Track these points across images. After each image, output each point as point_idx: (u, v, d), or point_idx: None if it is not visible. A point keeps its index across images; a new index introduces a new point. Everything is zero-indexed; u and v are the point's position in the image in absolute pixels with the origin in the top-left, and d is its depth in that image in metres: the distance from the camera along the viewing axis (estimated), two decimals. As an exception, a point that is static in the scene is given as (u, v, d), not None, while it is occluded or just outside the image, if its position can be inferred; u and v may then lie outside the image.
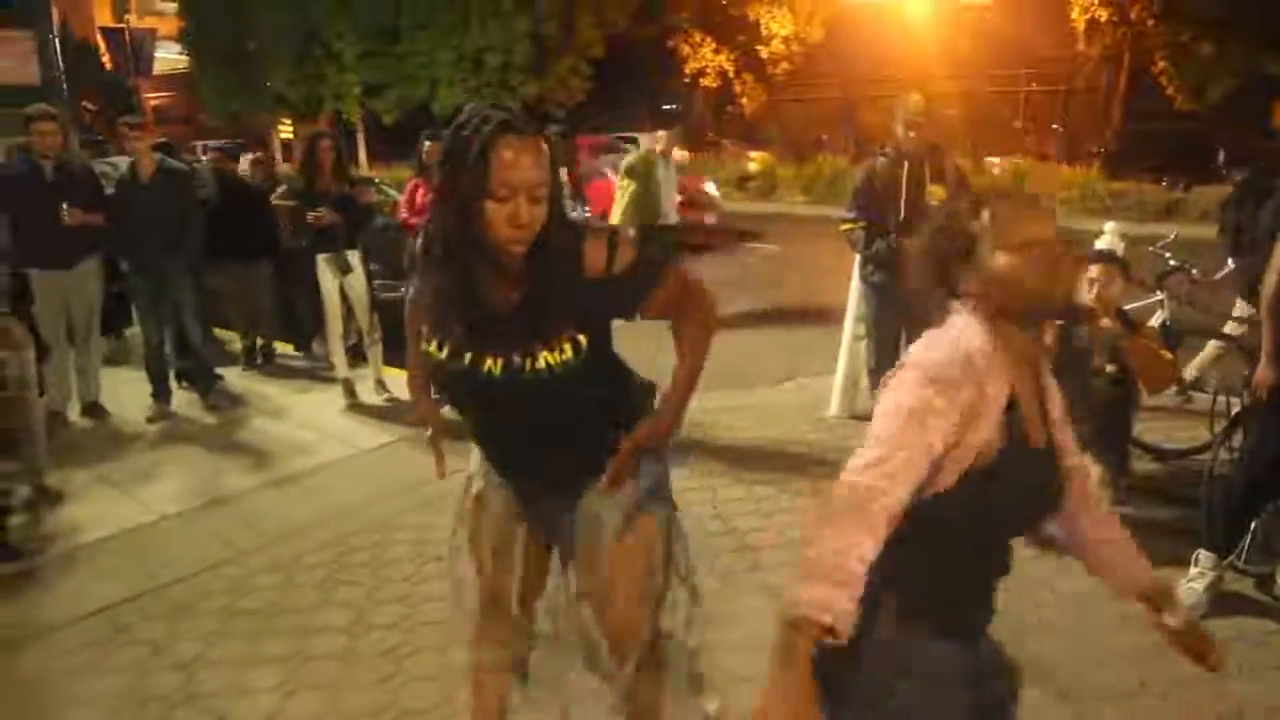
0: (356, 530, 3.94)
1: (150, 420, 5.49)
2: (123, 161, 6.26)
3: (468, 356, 1.79)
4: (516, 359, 1.75)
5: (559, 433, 1.86)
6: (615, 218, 7.45)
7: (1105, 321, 3.55)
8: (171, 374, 5.77)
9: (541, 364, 1.75)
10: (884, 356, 4.56)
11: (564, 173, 5.36)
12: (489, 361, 1.77)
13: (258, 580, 3.53)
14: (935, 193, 4.22)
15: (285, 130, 25.55)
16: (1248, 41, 17.04)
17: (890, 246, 4.31)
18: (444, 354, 1.82)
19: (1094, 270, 3.68)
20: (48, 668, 2.99)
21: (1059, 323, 3.59)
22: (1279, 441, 3.12)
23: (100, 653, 3.06)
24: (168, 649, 3.07)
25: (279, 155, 23.72)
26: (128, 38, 16.56)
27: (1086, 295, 3.62)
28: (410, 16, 20.15)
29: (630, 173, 7.52)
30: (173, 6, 25.40)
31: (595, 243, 1.78)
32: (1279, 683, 2.78)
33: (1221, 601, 3.18)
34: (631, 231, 6.31)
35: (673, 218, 7.83)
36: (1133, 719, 2.62)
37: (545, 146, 1.69)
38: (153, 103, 30.53)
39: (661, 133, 7.89)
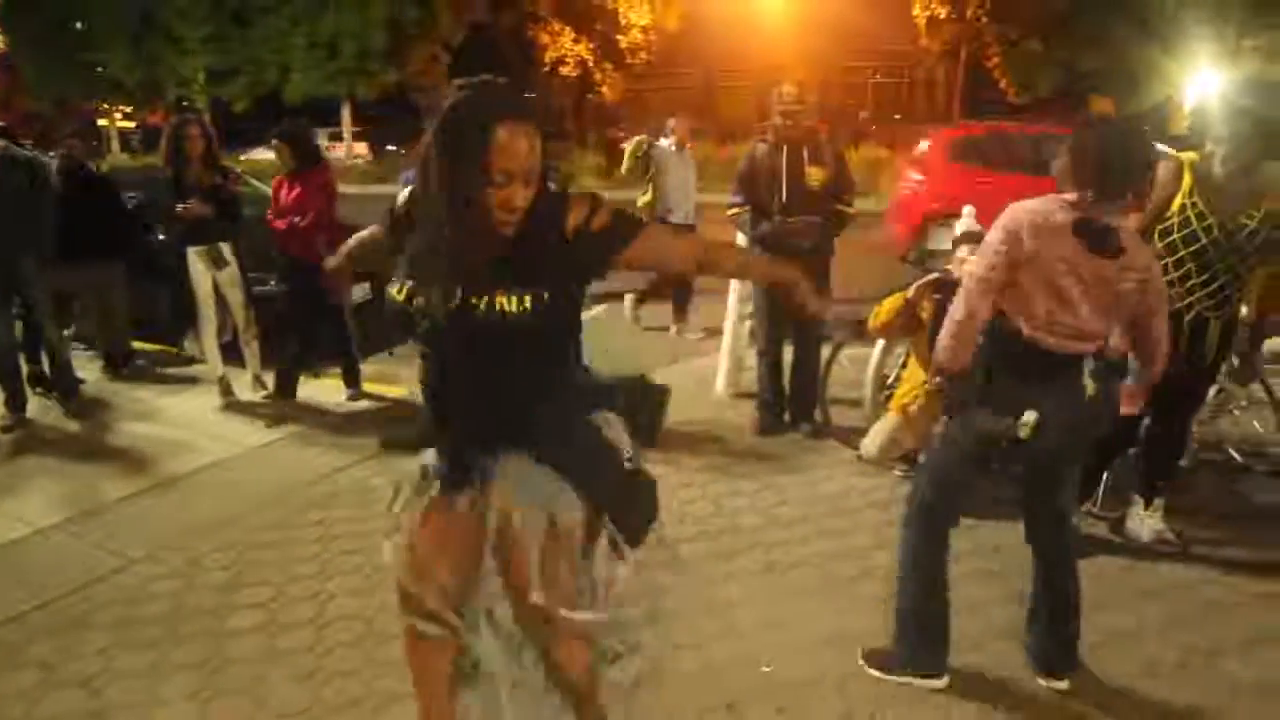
0: (254, 529, 3.83)
1: (3, 430, 5.10)
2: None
3: (422, 295, 1.81)
4: (473, 300, 1.76)
5: (492, 386, 1.86)
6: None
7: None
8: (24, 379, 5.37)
9: (496, 307, 1.76)
10: (771, 336, 4.76)
11: None
12: (473, 301, 1.78)
13: (155, 587, 3.38)
14: (814, 174, 4.44)
15: (122, 119, 23.90)
16: (1069, 42, 18.49)
17: (775, 228, 4.51)
18: (402, 295, 1.84)
19: (963, 250, 3.98)
20: (-70, 696, 2.78)
21: (936, 297, 3.88)
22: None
23: (-11, 676, 2.87)
24: (62, 667, 2.90)
25: (115, 144, 22.20)
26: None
27: (958, 270, 3.91)
28: (259, -1, 19.27)
29: (645, 163, 6.93)
30: (-18, -21, 23.30)
31: (578, 203, 1.83)
32: (1137, 611, 3.13)
33: (1082, 544, 3.51)
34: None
35: (692, 216, 7.17)
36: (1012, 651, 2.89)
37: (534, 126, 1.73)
38: (-37, 88, 27.91)
39: (673, 120, 7.32)
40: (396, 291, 1.85)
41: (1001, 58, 20.36)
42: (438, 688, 2.13)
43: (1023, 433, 2.51)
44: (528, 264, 1.79)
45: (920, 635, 2.71)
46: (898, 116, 26.38)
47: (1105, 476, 3.76)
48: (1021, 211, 2.40)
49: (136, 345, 6.49)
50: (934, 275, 3.98)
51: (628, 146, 7.31)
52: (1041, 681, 2.74)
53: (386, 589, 3.19)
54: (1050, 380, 2.51)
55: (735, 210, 4.75)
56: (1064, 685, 2.70)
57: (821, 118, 4.66)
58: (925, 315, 3.94)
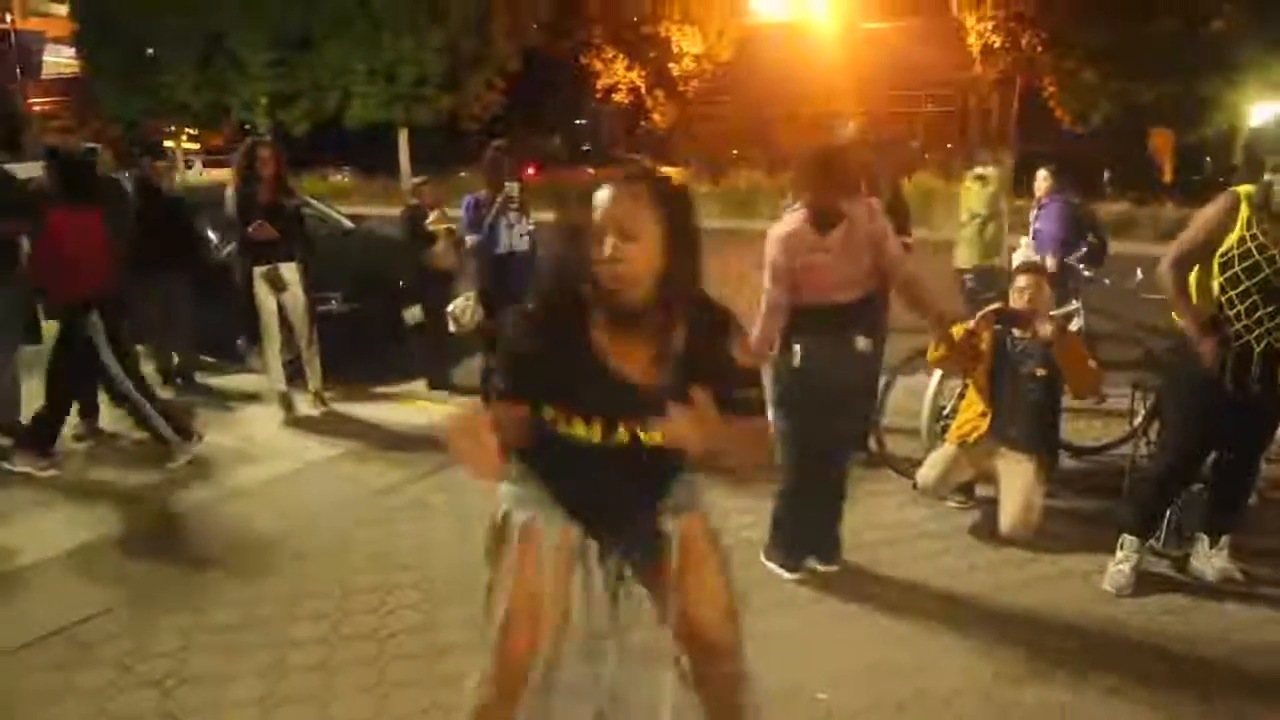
0: (316, 542, 3.92)
1: (77, 439, 5.28)
2: (23, 168, 6.01)
3: (598, 427, 1.89)
4: (638, 430, 1.86)
5: (647, 490, 1.97)
6: (961, 259, 6.37)
7: (1042, 329, 3.82)
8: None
9: (645, 438, 1.87)
10: None
11: (515, 188, 5.43)
12: (619, 431, 1.88)
13: (222, 595, 3.48)
14: None
15: (188, 141, 24.67)
16: (1125, 72, 18.24)
17: None
18: (564, 422, 1.90)
19: (1022, 280, 3.96)
20: (11, 689, 2.90)
21: (996, 328, 3.86)
22: (1188, 435, 3.43)
23: (66, 674, 2.97)
24: (136, 667, 3.01)
25: (180, 166, 22.92)
26: (12, 39, 15.80)
27: (1017, 303, 3.89)
28: (321, 26, 19.79)
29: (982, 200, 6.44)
30: (63, 8, 24.28)
31: (739, 334, 1.92)
32: (1200, 651, 3.06)
33: (1144, 581, 3.47)
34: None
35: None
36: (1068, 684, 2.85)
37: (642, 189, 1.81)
38: (38, 107, 29.09)
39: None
40: (552, 413, 1.90)
41: (1057, 87, 20.17)
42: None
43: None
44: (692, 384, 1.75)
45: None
46: (950, 146, 26.21)
47: (1170, 513, 3.68)
48: (773, 233, 3.41)
49: (202, 359, 6.70)
50: (994, 306, 3.96)
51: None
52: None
53: (446, 603, 3.29)
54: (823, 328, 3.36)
55: None
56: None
57: (873, 149, 4.67)
58: (984, 347, 3.93)
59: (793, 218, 3.41)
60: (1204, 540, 3.57)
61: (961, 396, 4.34)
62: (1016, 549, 3.77)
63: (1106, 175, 19.83)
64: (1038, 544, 3.78)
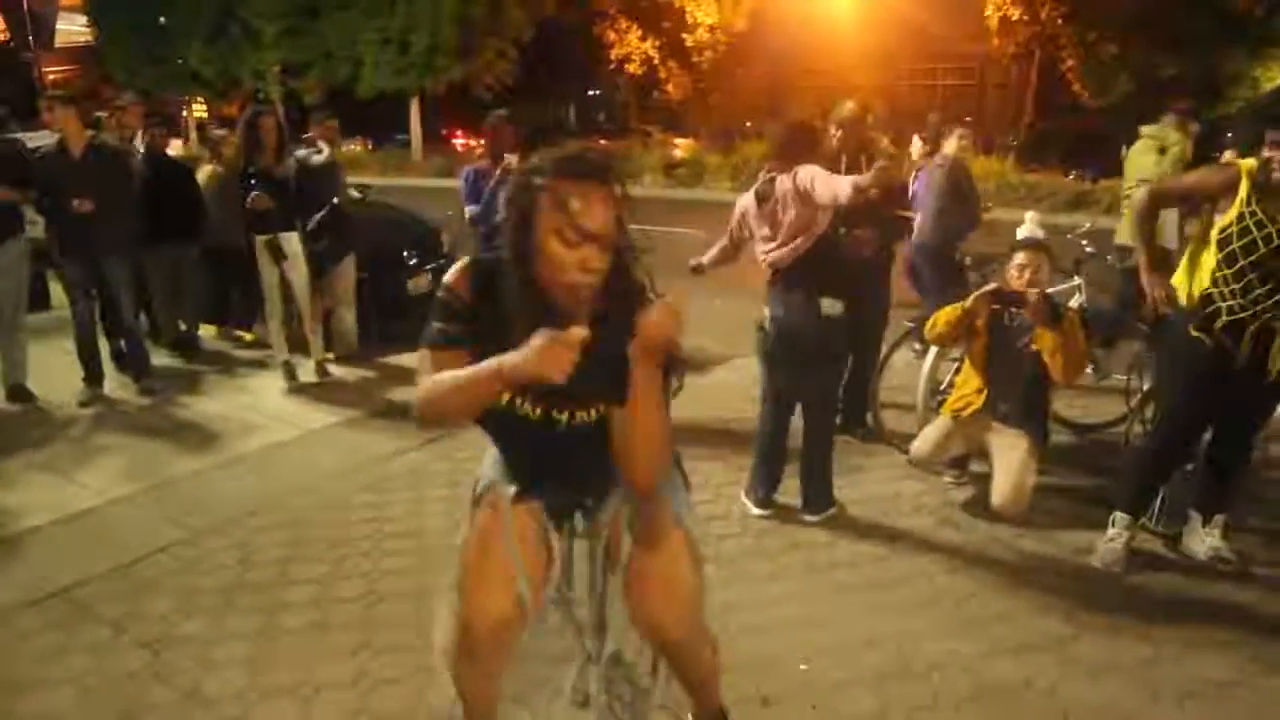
0: (311, 509, 3.96)
1: (82, 404, 5.34)
2: (35, 137, 6.02)
3: (538, 410, 1.87)
4: (580, 413, 1.86)
5: (601, 461, 1.92)
6: (1125, 233, 5.98)
7: (1031, 297, 3.78)
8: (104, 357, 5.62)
9: (596, 414, 1.85)
10: None
11: (514, 160, 5.40)
12: (555, 414, 1.87)
13: (215, 559, 3.53)
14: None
15: (199, 110, 24.67)
16: (1147, 45, 17.93)
17: (835, 238, 4.48)
18: (507, 403, 1.85)
19: (1021, 256, 3.92)
20: (12, 650, 2.95)
21: (994, 306, 3.84)
22: (1181, 412, 3.41)
23: (64, 634, 3.03)
24: (131, 628, 3.06)
25: (192, 136, 22.93)
26: (26, 8, 15.79)
27: (1016, 280, 3.86)
28: (332, -6, 19.72)
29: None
30: (76, -24, 24.28)
31: (660, 320, 1.71)
32: (1188, 629, 3.06)
33: (1135, 559, 3.46)
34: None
35: None
36: (1064, 660, 2.86)
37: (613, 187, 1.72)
38: (52, 76, 29.09)
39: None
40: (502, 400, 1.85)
41: (1077, 61, 19.87)
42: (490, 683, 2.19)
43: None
44: (612, 377, 1.75)
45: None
46: (968, 119, 25.92)
47: (1163, 492, 3.67)
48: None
49: (206, 328, 6.75)
50: (992, 286, 3.93)
51: None
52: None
53: (436, 570, 3.31)
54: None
55: None
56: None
57: (888, 121, 4.63)
58: (980, 324, 3.90)
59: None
60: (1197, 519, 3.56)
61: (958, 371, 4.32)
62: (1007, 525, 3.76)
63: (1124, 151, 19.59)
64: (1029, 520, 3.77)
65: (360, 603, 3.21)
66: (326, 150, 6.32)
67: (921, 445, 4.05)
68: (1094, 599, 3.24)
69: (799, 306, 3.68)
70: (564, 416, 1.88)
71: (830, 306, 3.64)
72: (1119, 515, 3.50)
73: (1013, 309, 3.84)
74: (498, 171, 5.23)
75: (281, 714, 2.63)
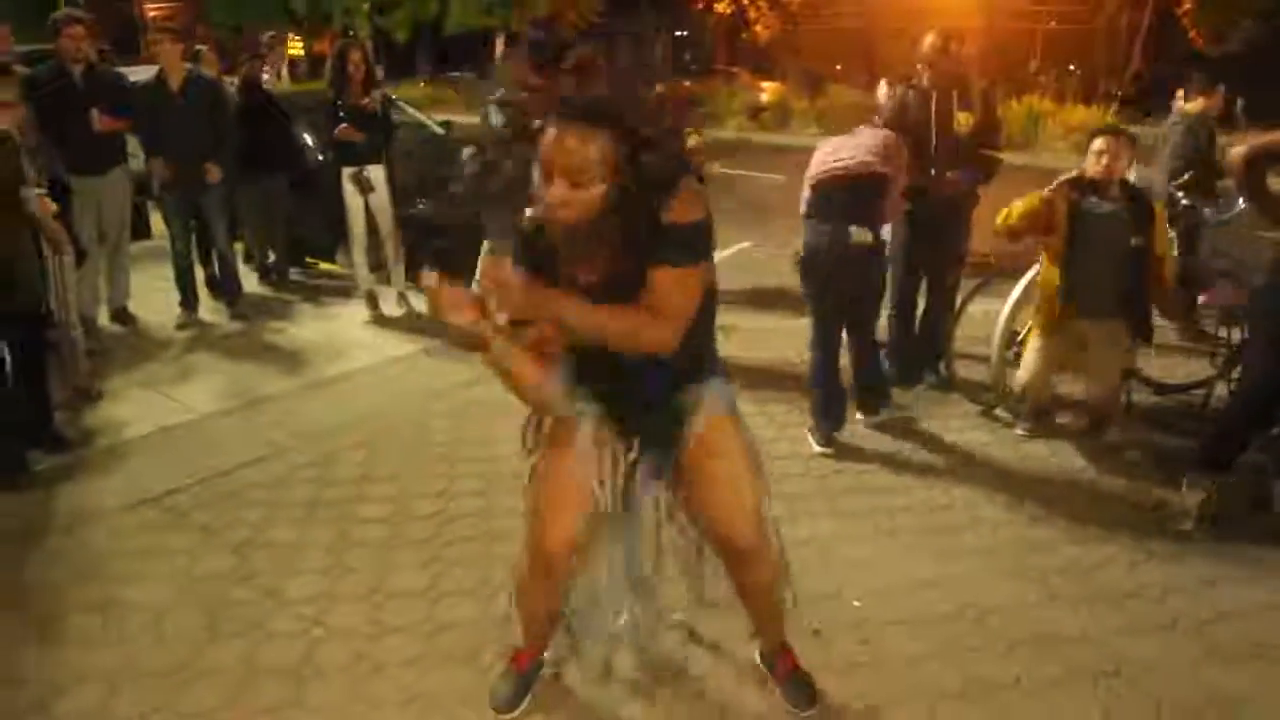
0: (388, 431, 4.13)
1: (179, 327, 5.63)
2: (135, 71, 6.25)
3: (577, 274, 1.93)
4: (613, 274, 1.90)
5: (655, 386, 2.03)
6: None
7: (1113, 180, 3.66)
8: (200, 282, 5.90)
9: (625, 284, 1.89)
10: (906, 287, 4.64)
11: None
12: (582, 274, 1.92)
13: (298, 474, 3.73)
14: (962, 120, 4.29)
15: (294, 47, 25.11)
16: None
17: (927, 181, 4.38)
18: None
19: (1100, 142, 3.74)
20: (111, 548, 3.19)
21: (1071, 195, 3.69)
22: (1268, 369, 3.28)
23: (158, 536, 3.26)
24: (219, 534, 3.28)
25: (285, 72, 23.43)
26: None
27: (1094, 168, 3.71)
28: (422, -69, 19.74)
29: None
30: (176, -87, 24.82)
31: (690, 190, 1.85)
32: (1255, 593, 2.98)
33: (1216, 518, 3.37)
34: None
35: None
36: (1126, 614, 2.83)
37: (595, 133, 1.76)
38: (151, 13, 29.94)
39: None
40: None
41: (1194, 4, 18.70)
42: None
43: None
44: (632, 286, 1.87)
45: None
46: (1072, 67, 24.67)
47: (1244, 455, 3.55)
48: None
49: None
50: (1072, 173, 3.76)
51: None
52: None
53: (505, 493, 3.43)
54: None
55: None
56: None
57: (980, 67, 4.46)
58: (1060, 216, 3.74)
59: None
60: (1277, 482, 3.44)
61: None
62: (1078, 478, 3.71)
63: (1240, 103, 18.38)
64: (1098, 478, 3.71)
65: (432, 520, 3.37)
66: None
67: (1024, 374, 3.96)
68: (1164, 556, 3.18)
69: (829, 234, 3.79)
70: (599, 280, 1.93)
71: (860, 234, 3.75)
72: (1195, 474, 3.41)
73: (1093, 198, 3.71)
74: None
75: (354, 617, 2.80)
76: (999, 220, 3.90)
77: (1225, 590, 2.97)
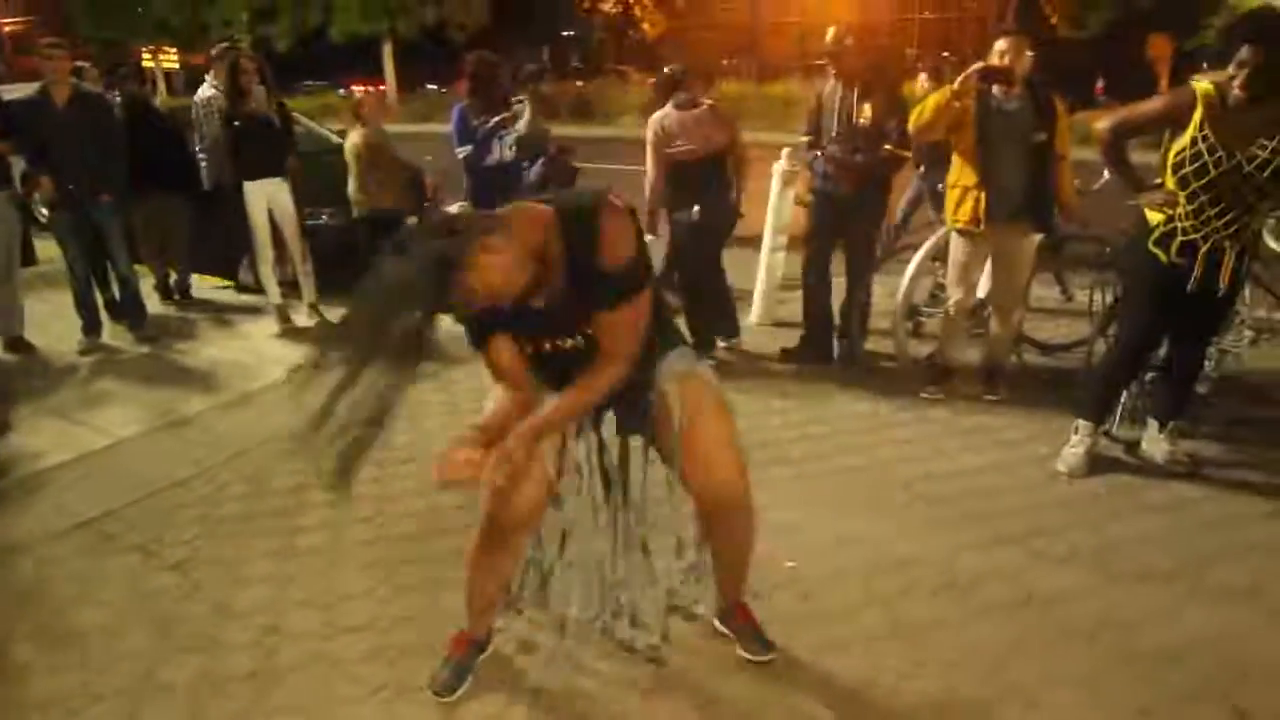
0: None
1: (82, 353, 5.46)
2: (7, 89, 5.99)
3: (525, 345, 2.13)
4: (556, 343, 2.09)
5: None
6: None
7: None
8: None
9: (573, 343, 2.08)
10: (818, 264, 4.89)
11: (524, 109, 5.38)
12: (529, 346, 2.12)
13: (230, 490, 3.71)
14: (864, 111, 4.53)
15: (168, 60, 24.18)
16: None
17: (825, 160, 4.64)
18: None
19: (1002, 43, 3.96)
20: (47, 575, 3.13)
21: (980, 84, 3.92)
22: (1143, 326, 3.62)
23: (95, 560, 3.21)
24: (158, 554, 3.25)
25: (162, 85, 22.55)
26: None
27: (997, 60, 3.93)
28: (300, -65, 19.29)
29: None
30: (32, -78, 23.56)
31: (615, 223, 1.94)
32: (1141, 524, 3.32)
33: (1097, 463, 3.71)
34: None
35: None
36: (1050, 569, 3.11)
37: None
38: (8, 28, 28.39)
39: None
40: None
41: (1054, -10, 19.84)
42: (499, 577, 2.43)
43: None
44: (573, 319, 2.04)
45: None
46: (945, 54, 25.78)
47: (1123, 399, 3.91)
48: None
49: (195, 276, 6.82)
50: (979, 64, 3.92)
51: None
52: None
53: (443, 491, 3.49)
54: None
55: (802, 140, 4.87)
56: None
57: (873, 58, 4.72)
58: (968, 114, 3.92)
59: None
60: (1154, 425, 3.80)
61: (933, 294, 4.50)
62: (976, 437, 4.00)
63: (1100, 84, 19.56)
64: (997, 432, 4.01)
65: (372, 524, 3.41)
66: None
67: (952, 285, 4.22)
68: (1058, 499, 3.49)
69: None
70: (550, 348, 2.11)
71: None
72: (1081, 423, 3.74)
73: (996, 92, 3.94)
74: (495, 119, 5.23)
75: (308, 621, 2.84)
76: (912, 119, 4.07)
77: (1119, 526, 3.29)
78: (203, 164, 6.49)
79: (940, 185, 4.59)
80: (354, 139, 5.90)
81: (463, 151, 5.35)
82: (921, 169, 5.79)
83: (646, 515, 2.44)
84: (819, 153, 4.64)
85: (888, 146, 4.50)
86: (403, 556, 3.18)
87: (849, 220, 4.65)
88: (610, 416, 2.29)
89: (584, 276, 1.94)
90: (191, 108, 6.67)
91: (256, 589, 3.02)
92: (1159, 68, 8.42)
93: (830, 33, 4.57)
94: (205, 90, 6.49)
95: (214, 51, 5.83)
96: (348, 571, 3.11)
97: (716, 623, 2.67)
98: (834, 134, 4.57)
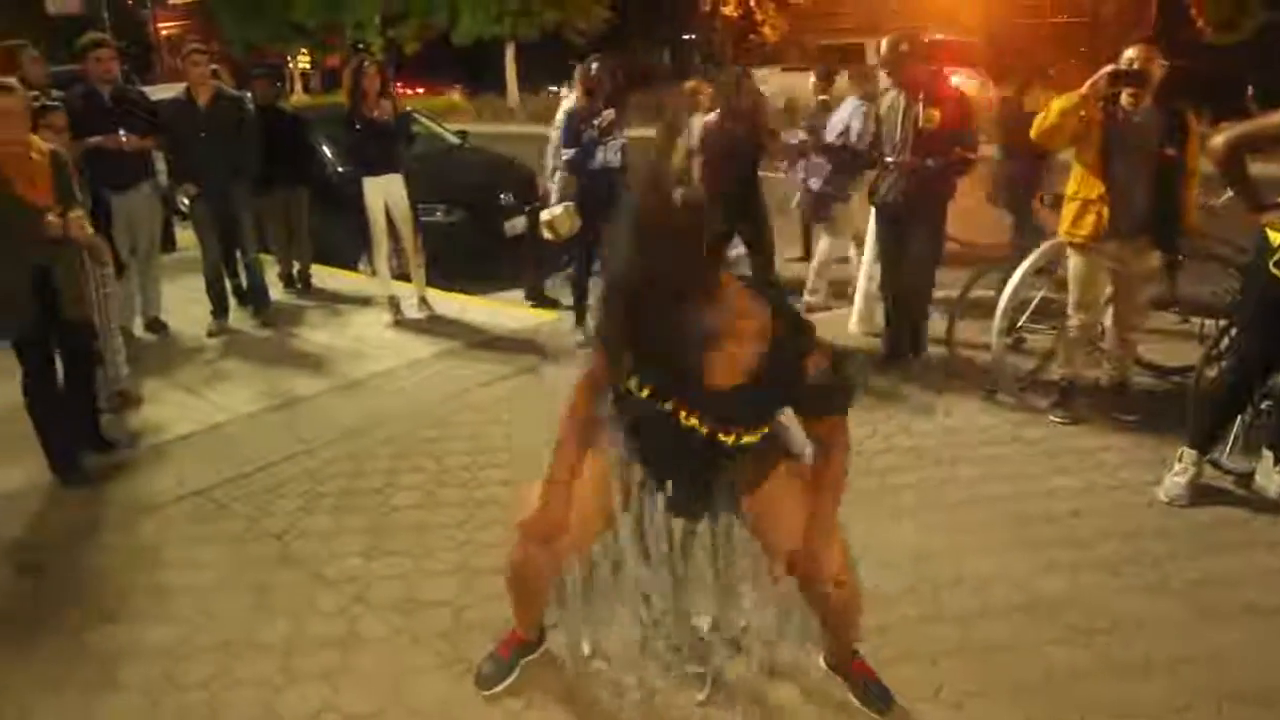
0: (416, 428, 4.33)
1: (210, 335, 5.85)
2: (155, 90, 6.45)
3: (669, 404, 2.04)
4: (720, 430, 2.04)
5: (722, 466, 2.15)
6: None
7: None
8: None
9: (735, 439, 2.06)
10: (889, 274, 4.85)
11: (610, 115, 5.48)
12: (689, 417, 2.04)
13: (332, 469, 3.93)
14: (931, 117, 4.46)
15: (303, 61, 25.49)
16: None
17: (888, 170, 4.59)
18: (644, 393, 2.04)
19: (1132, 51, 3.77)
20: (163, 536, 3.41)
21: (1113, 88, 3.74)
22: (1257, 351, 3.42)
23: (205, 525, 3.48)
24: (262, 522, 3.48)
25: (298, 86, 23.80)
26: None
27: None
28: (431, -58, 20.05)
29: None
30: (189, -67, 25.27)
31: (819, 355, 1.98)
32: (1249, 556, 3.16)
33: (1203, 494, 3.52)
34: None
35: None
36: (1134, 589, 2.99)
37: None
38: (165, 31, 30.41)
39: None
40: (634, 385, 2.05)
41: (1202, -6, 18.71)
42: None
43: None
44: (770, 409, 2.09)
45: None
46: (1082, 49, 24.71)
47: (1236, 428, 3.70)
48: None
49: (316, 266, 7.21)
50: (1110, 68, 3.72)
51: None
52: None
53: (529, 480, 3.60)
54: None
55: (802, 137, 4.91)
56: None
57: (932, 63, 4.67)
58: (1095, 117, 3.74)
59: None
60: (1269, 457, 3.58)
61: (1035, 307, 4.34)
62: (1071, 458, 3.86)
63: (1250, 92, 18.34)
64: (1094, 454, 3.87)
65: (462, 507, 3.56)
66: None
67: (1075, 303, 4.09)
68: (1156, 529, 3.34)
69: None
70: (729, 438, 2.06)
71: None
72: (1186, 450, 3.56)
73: (1124, 103, 3.75)
74: (595, 122, 5.35)
75: (393, 591, 3.00)
76: (1036, 122, 3.93)
77: (1218, 560, 3.13)
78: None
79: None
80: None
81: (568, 154, 5.49)
82: None
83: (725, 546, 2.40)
84: (889, 162, 4.60)
85: (958, 149, 4.42)
86: (487, 541, 3.31)
87: (913, 226, 4.61)
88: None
89: (786, 377, 1.97)
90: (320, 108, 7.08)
91: (348, 561, 3.21)
92: (1314, 75, 7.90)
93: (885, 43, 4.53)
94: None
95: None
96: (434, 551, 3.26)
97: (825, 667, 2.55)
98: (896, 142, 4.52)
